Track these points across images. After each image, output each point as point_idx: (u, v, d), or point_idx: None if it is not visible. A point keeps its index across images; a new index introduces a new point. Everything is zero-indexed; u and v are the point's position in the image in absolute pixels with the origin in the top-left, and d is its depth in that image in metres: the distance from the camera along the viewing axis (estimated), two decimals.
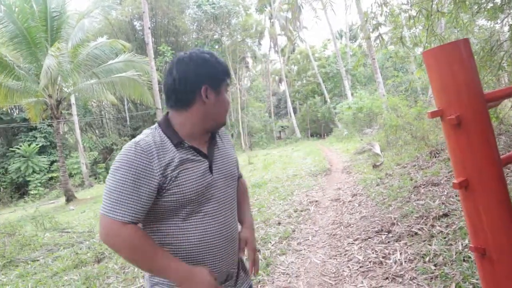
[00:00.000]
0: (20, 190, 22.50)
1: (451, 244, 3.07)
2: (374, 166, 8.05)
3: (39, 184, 21.88)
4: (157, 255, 1.15)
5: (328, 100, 31.85)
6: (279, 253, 3.93)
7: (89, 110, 29.97)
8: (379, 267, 3.14)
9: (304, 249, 4.01)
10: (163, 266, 1.15)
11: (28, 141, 23.25)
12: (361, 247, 3.69)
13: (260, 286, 3.19)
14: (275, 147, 29.05)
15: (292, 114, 35.34)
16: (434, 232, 3.44)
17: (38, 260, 5.25)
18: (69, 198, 14.49)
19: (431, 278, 2.69)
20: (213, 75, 1.26)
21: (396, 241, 3.56)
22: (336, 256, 3.64)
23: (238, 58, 34.71)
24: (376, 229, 4.06)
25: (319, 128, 36.23)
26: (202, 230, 1.24)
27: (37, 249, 5.92)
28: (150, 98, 14.96)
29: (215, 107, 1.28)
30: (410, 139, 9.03)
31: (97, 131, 31.35)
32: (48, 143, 24.29)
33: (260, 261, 3.72)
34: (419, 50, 7.98)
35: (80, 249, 5.49)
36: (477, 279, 2.39)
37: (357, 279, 3.02)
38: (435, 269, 2.78)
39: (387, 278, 2.90)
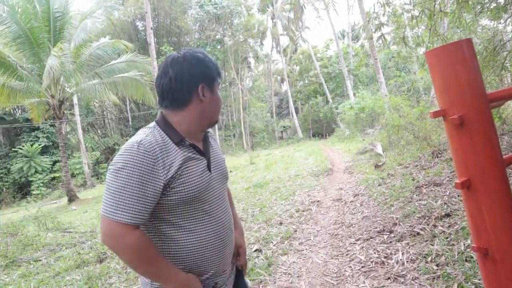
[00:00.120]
0: (22, 190, 22.57)
1: (453, 244, 3.06)
2: (376, 166, 8.03)
3: (41, 184, 21.94)
4: (159, 262, 1.16)
5: (330, 100, 31.82)
6: (281, 253, 3.93)
7: (91, 110, 30.07)
8: (381, 267, 3.13)
9: (306, 249, 4.00)
10: (163, 273, 1.16)
11: (31, 141, 23.33)
12: (363, 247, 3.68)
13: (262, 286, 3.19)
14: (277, 147, 29.06)
15: (294, 114, 35.33)
16: (436, 232, 3.43)
17: (40, 260, 5.26)
18: (71, 198, 14.53)
19: (433, 278, 2.68)
20: (208, 74, 1.28)
21: (398, 241, 3.56)
22: (338, 256, 3.63)
23: (240, 58, 34.76)
24: (378, 229, 4.05)
25: (321, 128, 36.21)
26: (202, 230, 1.25)
27: (39, 249, 5.94)
28: (152, 98, 14.98)
29: (211, 105, 1.30)
30: (412, 139, 9.02)
31: (99, 131, 31.44)
32: (51, 143, 24.36)
33: (261, 260, 3.74)
34: (421, 50, 7.97)
35: (82, 249, 5.50)
36: (479, 279, 2.39)
37: (359, 279, 3.01)
38: (437, 269, 2.78)
39: (389, 278, 2.90)
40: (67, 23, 14.44)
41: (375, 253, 3.44)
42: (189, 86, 1.24)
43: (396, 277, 2.88)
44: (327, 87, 32.47)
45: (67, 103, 16.71)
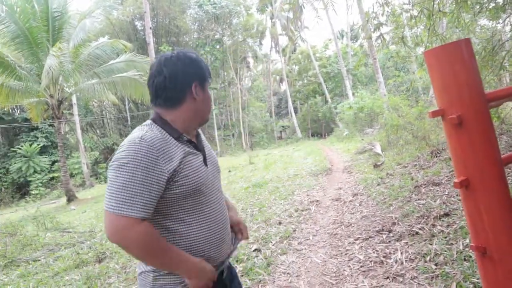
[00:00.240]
0: (21, 190, 22.55)
1: (452, 244, 3.07)
2: (375, 165, 8.04)
3: (40, 184, 21.92)
4: (169, 251, 1.18)
5: (329, 100, 31.83)
6: (280, 253, 3.93)
7: (90, 110, 30.04)
8: (380, 266, 3.14)
9: (305, 248, 4.01)
10: (175, 261, 1.19)
11: (30, 141, 23.30)
12: (362, 246, 3.69)
13: (261, 286, 3.19)
14: (276, 147, 29.06)
15: (293, 114, 35.34)
16: (435, 231, 3.44)
17: (39, 260, 5.26)
18: (70, 198, 14.52)
19: (432, 278, 2.69)
20: (201, 73, 1.32)
21: (397, 241, 3.56)
22: (337, 255, 3.64)
23: (239, 58, 34.76)
24: (377, 228, 4.06)
25: (320, 128, 36.21)
26: (203, 221, 1.29)
27: (38, 249, 5.93)
28: None
29: (203, 104, 1.34)
30: (411, 139, 9.03)
31: (98, 131, 31.42)
32: (49, 143, 24.33)
33: (261, 260, 3.74)
34: (420, 50, 7.97)
35: (81, 249, 5.50)
36: (477, 278, 2.39)
37: (358, 278, 3.02)
38: (436, 269, 2.78)
39: (388, 277, 2.90)
40: (66, 22, 14.42)
41: (374, 252, 3.45)
42: (183, 84, 1.27)
43: (395, 276, 2.88)
44: (326, 87, 32.48)
45: (66, 103, 16.67)
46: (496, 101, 1.06)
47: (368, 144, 11.51)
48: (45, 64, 11.97)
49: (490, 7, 5.01)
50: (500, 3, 4.98)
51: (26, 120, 21.38)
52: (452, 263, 2.76)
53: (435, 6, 5.00)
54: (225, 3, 29.27)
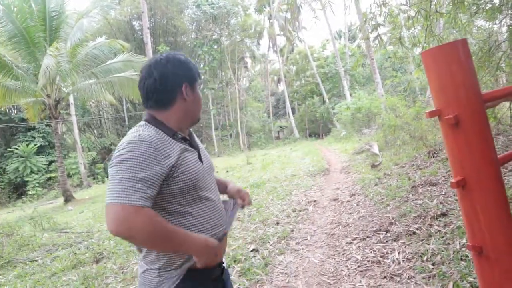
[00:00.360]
0: (18, 190, 22.44)
1: (449, 243, 3.08)
2: (373, 166, 8.06)
3: (37, 185, 21.83)
4: (176, 233, 1.19)
5: (327, 100, 31.87)
6: (278, 253, 3.94)
7: (88, 110, 29.94)
8: (377, 266, 3.15)
9: (303, 248, 4.01)
10: (183, 242, 1.20)
11: (26, 141, 23.19)
12: (359, 246, 3.70)
13: (259, 286, 3.19)
14: (274, 147, 29.08)
15: (291, 114, 35.36)
16: (432, 231, 3.45)
17: (36, 261, 5.24)
18: (68, 199, 14.46)
19: (429, 277, 2.70)
20: (190, 74, 1.36)
21: (394, 241, 3.57)
22: (334, 255, 3.64)
23: (237, 58, 34.77)
24: (374, 228, 4.07)
25: (317, 128, 36.28)
26: (203, 215, 1.32)
27: (35, 250, 5.91)
28: None
29: (194, 104, 1.38)
30: (408, 139, 9.05)
31: (95, 131, 31.33)
32: (47, 143, 24.24)
33: (258, 260, 3.74)
34: (417, 51, 8.00)
35: (79, 249, 5.48)
36: (474, 278, 2.41)
37: (355, 278, 3.03)
38: (433, 268, 2.79)
39: (385, 277, 2.91)
40: (63, 22, 14.39)
41: (371, 252, 3.46)
42: (173, 86, 1.31)
43: (392, 276, 2.89)
44: (324, 87, 32.52)
45: (63, 103, 16.60)
46: (492, 101, 1.07)
47: (365, 145, 11.54)
48: (42, 63, 11.94)
49: (487, 8, 5.03)
50: (497, 4, 5.00)
51: (23, 120, 21.31)
52: (449, 263, 2.77)
53: (432, 6, 5.02)
54: (223, 3, 29.27)
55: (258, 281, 3.28)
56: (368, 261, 3.28)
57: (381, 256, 3.31)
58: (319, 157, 13.26)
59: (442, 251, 2.98)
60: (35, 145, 22.93)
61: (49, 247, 5.93)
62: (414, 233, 3.59)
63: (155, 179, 1.16)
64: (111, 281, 3.86)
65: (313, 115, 35.41)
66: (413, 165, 6.72)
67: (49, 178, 22.86)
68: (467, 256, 2.75)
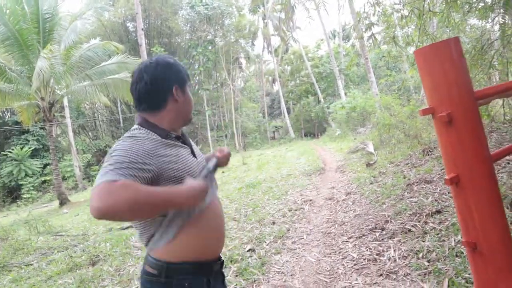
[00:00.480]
0: (12, 194, 22.31)
1: (444, 240, 3.10)
2: (368, 164, 8.09)
3: (32, 188, 21.71)
4: (157, 191, 1.13)
5: (322, 100, 31.92)
6: (274, 252, 3.94)
7: (82, 113, 29.81)
8: (373, 264, 3.16)
9: (299, 248, 4.02)
10: (168, 197, 1.14)
11: (21, 144, 23.06)
12: (355, 245, 3.71)
13: (256, 285, 3.20)
14: (269, 147, 29.06)
15: (286, 114, 35.38)
16: (427, 228, 3.47)
17: (31, 264, 5.20)
18: (63, 202, 14.38)
19: (425, 274, 2.71)
20: (180, 76, 1.40)
21: (390, 238, 3.59)
22: (330, 254, 3.66)
23: (232, 58, 34.72)
24: (370, 226, 4.09)
25: (312, 128, 36.32)
26: (207, 214, 1.36)
27: (30, 253, 5.87)
28: None
29: (185, 105, 1.42)
30: (403, 138, 9.09)
31: (90, 134, 31.20)
32: (41, 146, 24.11)
33: (255, 260, 3.75)
34: (411, 50, 8.04)
35: (75, 252, 5.45)
36: (469, 274, 2.42)
37: (351, 276, 3.04)
38: (428, 265, 2.81)
39: (381, 275, 2.92)
40: (57, 24, 14.31)
41: (367, 250, 3.47)
42: (164, 88, 1.35)
43: (388, 273, 2.91)
44: (319, 87, 32.56)
45: (57, 105, 16.55)
46: (484, 99, 1.08)
47: (360, 143, 11.57)
48: (36, 66, 11.87)
49: (479, 6, 5.08)
50: (489, 3, 5.04)
51: (16, 123, 21.18)
52: (444, 260, 2.79)
53: (425, 5, 5.06)
54: (217, 4, 29.22)
55: (254, 280, 3.28)
56: (364, 259, 3.29)
57: (377, 254, 3.32)
58: (315, 156, 13.28)
59: (437, 248, 3.00)
60: (29, 148, 22.80)
61: (45, 251, 5.89)
62: (409, 230, 3.61)
63: (144, 166, 1.15)
64: (108, 283, 3.85)
65: (308, 115, 35.46)
66: (408, 163, 6.76)
67: (44, 181, 22.74)
68: (462, 252, 2.77)
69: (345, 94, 26.14)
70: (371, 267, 3.11)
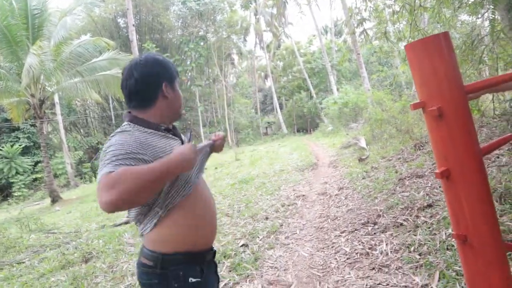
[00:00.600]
0: (3, 192, 22.04)
1: (435, 234, 3.14)
2: (360, 159, 8.14)
3: (23, 186, 21.48)
4: (153, 166, 1.16)
5: (314, 96, 31.99)
6: (267, 247, 3.96)
7: (73, 109, 29.51)
8: (366, 258, 3.19)
9: (292, 242, 4.04)
10: (165, 168, 1.17)
11: (11, 142, 22.79)
12: (348, 239, 3.74)
13: (249, 280, 3.21)
14: (262, 143, 29.09)
15: (278, 110, 35.41)
16: (419, 222, 3.51)
17: (23, 262, 5.17)
18: (55, 199, 14.27)
19: (416, 267, 2.75)
20: (169, 73, 1.43)
21: (382, 232, 3.62)
22: (323, 248, 3.68)
23: (224, 54, 34.60)
24: (363, 221, 4.12)
25: (305, 124, 36.41)
26: (196, 204, 1.41)
27: (22, 251, 5.83)
28: None
29: (174, 101, 1.45)
30: (395, 133, 9.15)
31: (82, 131, 30.94)
32: (32, 144, 23.85)
33: (248, 255, 3.76)
34: (403, 45, 8.07)
35: (67, 249, 5.42)
36: (459, 267, 2.45)
37: (344, 270, 3.06)
38: (420, 258, 2.84)
39: (373, 268, 2.95)
40: (46, 20, 14.12)
41: (359, 244, 3.50)
42: (154, 85, 1.38)
43: (380, 267, 2.94)
44: (311, 83, 32.62)
45: (48, 102, 16.36)
46: (474, 93, 1.09)
47: (353, 139, 11.63)
48: (25, 62, 11.73)
49: (469, 2, 5.11)
50: None
51: (6, 120, 20.91)
52: (436, 253, 2.83)
53: (416, 1, 5.08)
54: None
55: (248, 275, 3.30)
56: (356, 253, 3.32)
57: (369, 248, 3.35)
58: (307, 152, 13.32)
59: (429, 241, 3.04)
60: (20, 145, 22.55)
61: (37, 248, 5.86)
62: (401, 224, 3.65)
63: (139, 155, 1.21)
64: (101, 280, 3.84)
65: (300, 111, 35.52)
66: (400, 158, 6.81)
67: (35, 179, 22.52)
68: (452, 245, 2.81)
69: (337, 89, 26.21)
70: (364, 261, 3.14)
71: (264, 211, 5.59)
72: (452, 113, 0.97)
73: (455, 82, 0.98)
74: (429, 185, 4.53)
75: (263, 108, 44.86)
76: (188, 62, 31.37)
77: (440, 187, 4.24)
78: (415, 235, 3.25)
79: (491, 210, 0.98)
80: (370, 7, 6.22)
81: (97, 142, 27.51)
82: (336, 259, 3.34)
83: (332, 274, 3.06)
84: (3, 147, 21.93)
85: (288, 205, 5.71)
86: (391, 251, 3.15)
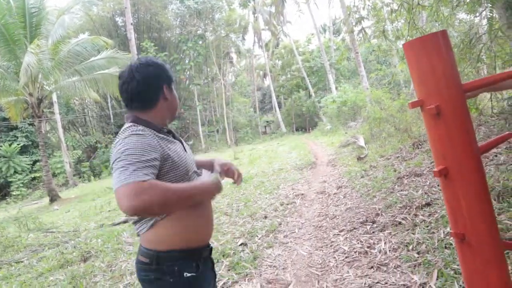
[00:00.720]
0: (1, 191, 22.01)
1: (433, 232, 3.14)
2: (359, 158, 8.14)
3: (21, 185, 21.45)
4: (184, 187, 1.30)
5: (313, 94, 31.99)
6: (266, 246, 3.96)
7: (72, 108, 29.47)
8: (364, 256, 3.19)
9: (291, 241, 4.04)
10: (192, 194, 1.31)
11: (9, 141, 22.76)
12: (346, 238, 3.74)
13: (248, 279, 3.21)
14: (261, 142, 29.11)
15: (277, 109, 35.43)
16: (417, 221, 3.51)
17: (22, 262, 5.16)
18: (53, 198, 14.25)
19: (415, 266, 2.75)
20: (168, 76, 1.48)
21: (381, 231, 3.63)
22: (322, 247, 3.68)
23: (222, 53, 34.60)
24: (361, 220, 4.12)
25: (304, 122, 36.42)
26: (195, 205, 1.42)
27: (21, 250, 5.82)
28: None
29: (173, 102, 1.51)
30: (393, 131, 9.16)
31: (80, 129, 30.90)
32: (30, 143, 23.82)
33: (247, 254, 3.76)
34: (401, 44, 8.08)
35: (66, 248, 5.42)
36: (458, 265, 2.46)
37: (343, 269, 3.07)
38: (418, 257, 2.85)
39: (372, 267, 2.96)
40: (44, 19, 14.08)
41: (358, 243, 3.50)
42: (155, 87, 1.43)
43: (379, 266, 2.94)
44: (310, 81, 32.62)
45: (46, 101, 16.32)
46: (472, 91, 1.09)
47: (351, 137, 11.64)
48: (23, 61, 11.70)
49: (467, 1, 5.11)
50: None
51: (4, 119, 20.88)
52: (434, 251, 2.83)
53: (414, 0, 5.08)
54: None
55: (247, 274, 3.30)
56: (355, 252, 3.32)
57: (368, 247, 3.35)
58: (306, 150, 13.33)
59: (427, 240, 3.04)
60: (18, 144, 22.52)
61: (35, 248, 5.85)
62: (400, 223, 3.65)
63: (156, 162, 1.25)
64: (99, 279, 3.84)
65: (299, 109, 35.53)
66: (398, 156, 6.81)
67: (34, 178, 22.50)
68: (451, 244, 2.81)
69: (336, 88, 26.24)
70: (362, 260, 3.14)
71: (263, 210, 5.59)
72: (450, 111, 0.96)
73: (453, 80, 0.97)
74: (428, 183, 4.54)
75: (261, 107, 44.88)
76: (187, 61, 31.35)
77: (438, 186, 4.24)
78: (413, 234, 3.25)
79: (489, 208, 0.98)
80: (369, 5, 6.22)
81: (95, 141, 27.48)
82: (334, 257, 3.34)
83: (331, 272, 3.06)
84: (1, 146, 21.90)
85: (287, 204, 5.71)
86: (389, 250, 3.15)
